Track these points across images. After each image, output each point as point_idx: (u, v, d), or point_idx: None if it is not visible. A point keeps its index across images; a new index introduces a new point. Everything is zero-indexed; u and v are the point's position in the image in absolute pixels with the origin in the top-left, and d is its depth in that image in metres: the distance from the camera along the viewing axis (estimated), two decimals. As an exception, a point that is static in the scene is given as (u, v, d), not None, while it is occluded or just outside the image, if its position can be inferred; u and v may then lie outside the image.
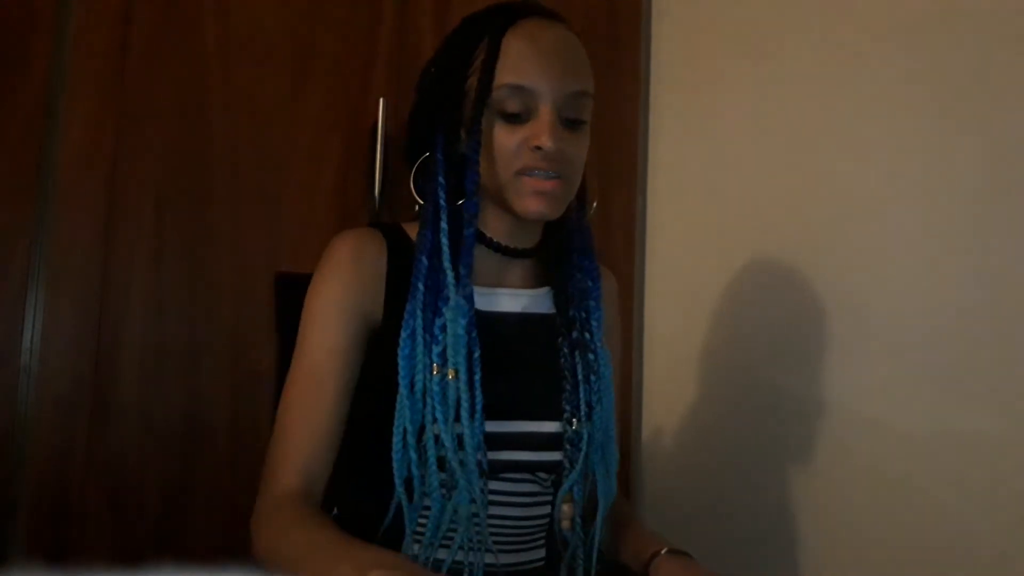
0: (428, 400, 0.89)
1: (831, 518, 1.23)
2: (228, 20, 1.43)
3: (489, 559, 0.95)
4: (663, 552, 0.97)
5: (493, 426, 0.92)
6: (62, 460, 1.30)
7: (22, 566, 1.23)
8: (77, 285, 1.32)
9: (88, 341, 1.32)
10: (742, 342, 1.42)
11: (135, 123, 1.37)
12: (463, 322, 0.91)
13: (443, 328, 0.91)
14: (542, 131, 0.92)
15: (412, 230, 1.00)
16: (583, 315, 1.00)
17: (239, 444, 1.37)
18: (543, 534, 1.00)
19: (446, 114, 0.97)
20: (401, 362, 0.90)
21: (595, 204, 1.07)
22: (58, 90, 1.33)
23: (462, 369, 0.90)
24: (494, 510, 0.94)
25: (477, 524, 0.91)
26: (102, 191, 1.34)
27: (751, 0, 1.48)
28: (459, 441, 0.89)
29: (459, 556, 0.91)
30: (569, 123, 0.95)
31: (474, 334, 0.91)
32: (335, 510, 0.99)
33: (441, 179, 0.96)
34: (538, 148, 0.92)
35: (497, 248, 1.00)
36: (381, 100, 1.44)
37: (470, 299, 0.92)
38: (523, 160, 0.93)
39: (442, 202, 0.95)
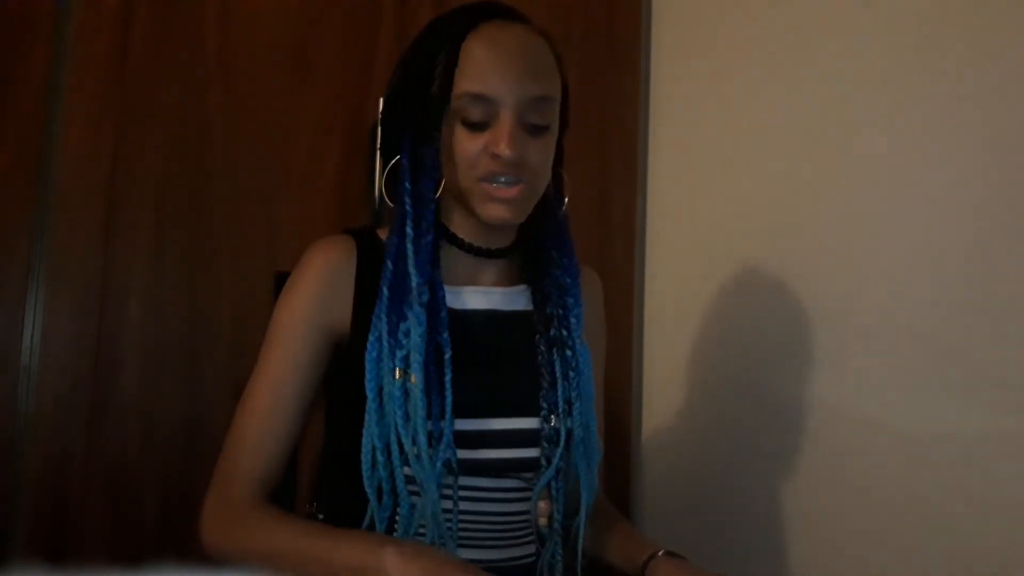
0: (390, 405, 0.90)
1: (830, 519, 1.23)
2: (228, 20, 1.43)
3: (479, 555, 0.95)
4: (660, 554, 0.97)
5: (466, 424, 0.92)
6: (62, 460, 1.30)
7: (22, 566, 1.23)
8: (77, 285, 1.32)
9: (88, 341, 1.32)
10: (741, 343, 1.42)
11: (135, 123, 1.37)
12: (445, 321, 0.92)
13: (407, 333, 0.91)
14: (501, 139, 0.91)
15: (385, 235, 1.00)
16: (561, 312, 1.00)
17: (239, 444, 1.37)
18: (531, 529, 1.00)
19: (412, 119, 0.97)
20: (368, 365, 0.91)
21: (567, 199, 1.04)
22: (58, 90, 1.33)
23: (432, 371, 0.90)
24: (474, 506, 0.94)
25: (448, 521, 0.92)
26: (102, 191, 1.34)
27: (751, 2, 1.48)
28: (425, 441, 0.89)
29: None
30: (532, 128, 0.93)
31: (445, 335, 0.92)
32: (320, 515, 1.00)
33: (407, 184, 0.96)
34: (496, 156, 0.92)
35: (469, 249, 0.99)
36: (381, 100, 1.44)
37: (442, 301, 0.93)
38: (483, 167, 0.93)
39: (408, 207, 0.95)
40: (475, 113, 0.92)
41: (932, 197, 1.14)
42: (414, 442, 0.89)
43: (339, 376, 0.97)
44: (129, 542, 1.31)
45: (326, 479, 1.03)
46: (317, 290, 0.96)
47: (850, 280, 1.24)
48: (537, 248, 1.03)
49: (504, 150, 0.91)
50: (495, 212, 0.94)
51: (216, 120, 1.41)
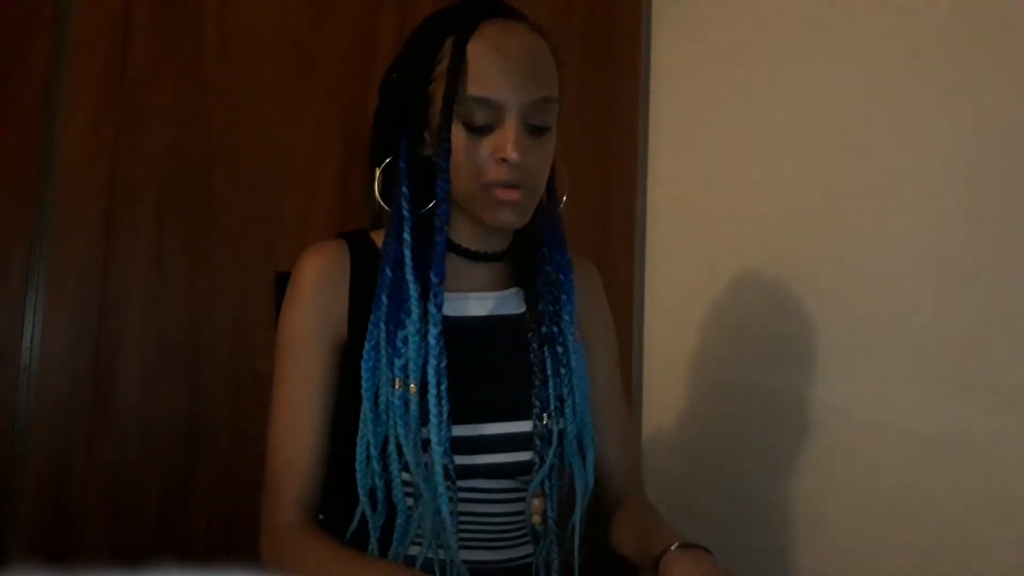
0: (390, 414, 0.90)
1: (831, 518, 1.23)
2: (228, 20, 1.43)
3: (479, 556, 0.95)
4: (673, 548, 0.89)
5: (464, 430, 0.92)
6: (62, 460, 1.30)
7: (22, 566, 1.23)
8: (77, 285, 1.32)
9: (88, 341, 1.32)
10: (741, 343, 1.42)
11: (135, 123, 1.37)
12: (434, 331, 0.90)
13: (405, 341, 0.91)
14: (507, 143, 0.90)
15: (379, 237, 0.99)
16: (553, 308, 1.00)
17: (239, 444, 1.37)
18: (527, 530, 1.00)
19: (410, 119, 0.96)
20: (364, 375, 0.91)
21: (565, 198, 1.04)
22: (58, 90, 1.33)
23: (431, 382, 0.90)
24: (472, 507, 0.94)
25: (444, 528, 0.91)
26: (102, 191, 1.34)
27: (751, 2, 1.48)
28: (424, 451, 0.89)
29: (430, 553, 0.91)
30: (534, 129, 0.93)
31: (441, 344, 0.91)
32: (320, 515, 1.00)
33: (404, 189, 0.95)
34: (504, 160, 0.91)
35: (466, 254, 0.99)
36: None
37: (441, 308, 0.92)
38: (490, 173, 0.92)
39: (406, 212, 0.94)
40: (480, 117, 0.91)
41: (933, 197, 1.14)
42: (414, 449, 0.89)
43: (339, 381, 0.97)
44: (129, 542, 1.31)
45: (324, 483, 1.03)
46: (314, 301, 0.96)
47: (850, 279, 1.24)
48: (531, 248, 1.03)
49: (512, 154, 0.90)
50: (502, 217, 0.93)
51: (216, 120, 1.41)
